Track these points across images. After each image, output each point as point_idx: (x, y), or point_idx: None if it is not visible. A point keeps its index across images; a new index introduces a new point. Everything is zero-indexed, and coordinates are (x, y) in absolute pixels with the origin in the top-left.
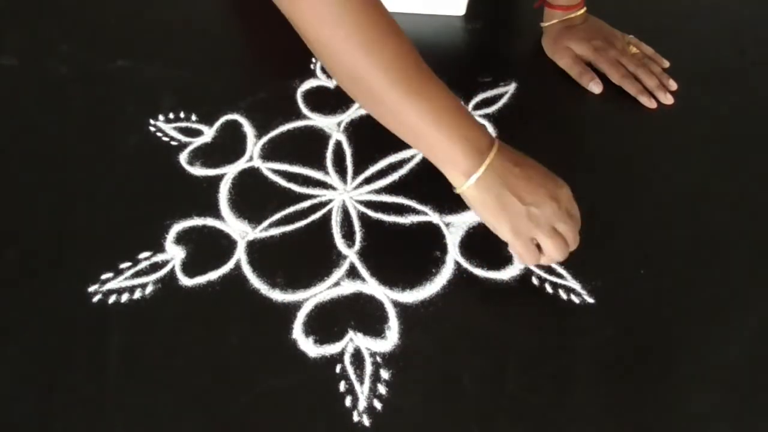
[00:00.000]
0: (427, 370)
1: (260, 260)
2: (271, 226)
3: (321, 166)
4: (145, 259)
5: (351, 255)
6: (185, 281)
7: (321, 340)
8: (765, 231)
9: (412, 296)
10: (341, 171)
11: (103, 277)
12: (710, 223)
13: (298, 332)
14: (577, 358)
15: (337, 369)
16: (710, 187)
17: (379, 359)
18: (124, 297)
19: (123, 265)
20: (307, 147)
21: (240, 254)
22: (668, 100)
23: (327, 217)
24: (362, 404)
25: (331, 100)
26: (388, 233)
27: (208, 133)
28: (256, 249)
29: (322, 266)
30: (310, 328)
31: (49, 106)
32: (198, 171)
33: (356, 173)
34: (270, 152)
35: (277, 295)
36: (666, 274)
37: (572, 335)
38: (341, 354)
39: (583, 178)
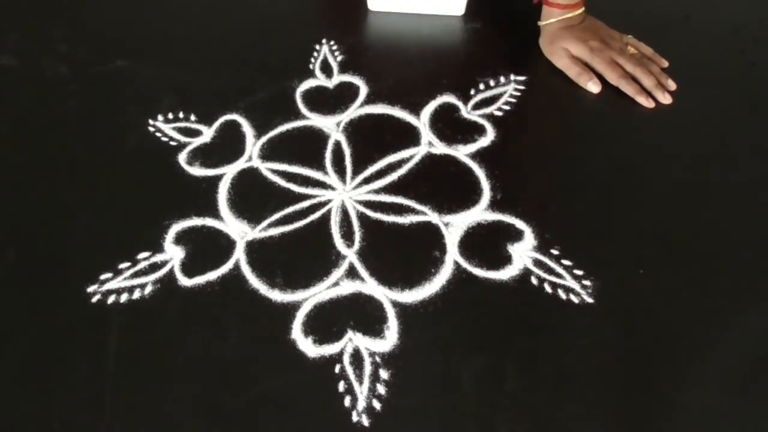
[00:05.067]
0: (427, 370)
1: (259, 260)
2: (270, 226)
3: (320, 166)
4: (145, 259)
5: (350, 255)
6: (184, 281)
7: (320, 340)
8: (765, 231)
9: (411, 296)
10: (340, 171)
11: (103, 277)
12: (710, 222)
13: (297, 332)
14: (576, 358)
15: (336, 369)
16: (710, 187)
17: (378, 359)
18: (124, 297)
19: (122, 266)
20: (306, 147)
21: (239, 254)
22: (667, 99)
23: (326, 217)
24: (361, 404)
25: (330, 100)
26: (388, 233)
27: (207, 133)
28: (255, 249)
29: (321, 266)
30: (309, 328)
31: (49, 106)
32: (197, 171)
33: (355, 173)
34: (269, 152)
35: (276, 295)
36: (666, 274)
37: (571, 335)
38: (340, 354)
39: (582, 177)
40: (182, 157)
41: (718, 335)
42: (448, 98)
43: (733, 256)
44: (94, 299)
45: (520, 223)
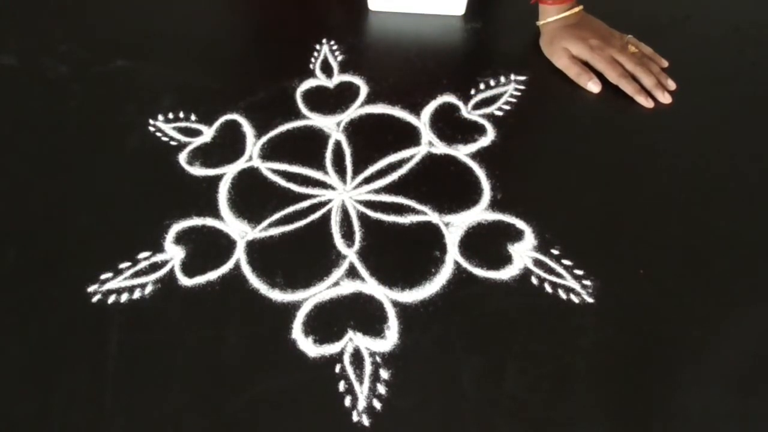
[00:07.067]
0: (427, 370)
1: (260, 260)
2: (270, 225)
3: (320, 166)
4: (145, 259)
5: (350, 255)
6: (185, 281)
7: (320, 340)
8: (765, 231)
9: (411, 296)
10: (341, 171)
11: (103, 277)
12: (710, 222)
13: (297, 332)
14: (576, 358)
15: (337, 369)
16: (710, 186)
17: (378, 359)
18: (124, 297)
19: (122, 265)
20: (306, 147)
21: (239, 254)
22: (666, 99)
23: (326, 217)
24: (362, 404)
25: (330, 100)
26: (388, 233)
27: (208, 133)
28: (255, 249)
29: (321, 266)
30: (309, 328)
31: (49, 106)
32: (197, 171)
33: (356, 173)
34: (269, 152)
35: (277, 295)
36: (666, 274)
37: (572, 335)
38: (341, 354)
39: (582, 177)
40: (182, 157)
41: (718, 335)
42: (449, 98)
43: (733, 256)
44: (95, 299)
45: (520, 223)
